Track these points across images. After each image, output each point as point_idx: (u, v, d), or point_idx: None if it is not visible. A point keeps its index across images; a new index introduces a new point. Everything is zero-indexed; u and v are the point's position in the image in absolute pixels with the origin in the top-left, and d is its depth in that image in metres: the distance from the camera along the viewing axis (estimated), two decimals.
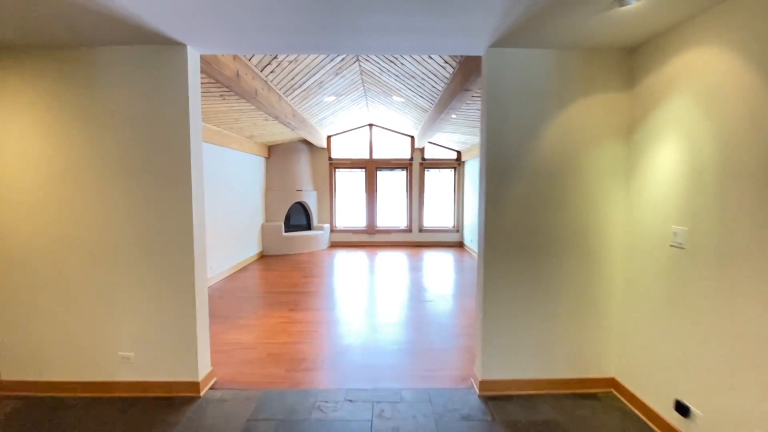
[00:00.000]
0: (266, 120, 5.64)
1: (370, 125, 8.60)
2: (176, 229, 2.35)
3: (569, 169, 2.39)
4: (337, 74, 4.75)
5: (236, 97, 4.15)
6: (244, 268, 6.38)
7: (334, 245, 8.70)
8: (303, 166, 8.17)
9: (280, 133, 6.96)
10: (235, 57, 3.06)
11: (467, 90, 3.48)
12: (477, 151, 7.19)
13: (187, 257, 2.36)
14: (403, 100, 5.81)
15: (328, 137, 8.58)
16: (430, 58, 3.62)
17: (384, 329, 3.60)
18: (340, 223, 8.88)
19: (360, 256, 7.52)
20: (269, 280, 5.57)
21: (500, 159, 2.39)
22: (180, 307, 2.39)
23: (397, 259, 7.23)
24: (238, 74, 3.14)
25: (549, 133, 2.37)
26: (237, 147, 6.43)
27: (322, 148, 8.58)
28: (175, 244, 2.36)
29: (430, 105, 5.38)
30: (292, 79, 4.35)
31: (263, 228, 7.48)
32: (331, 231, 8.72)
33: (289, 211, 7.95)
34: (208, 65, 2.62)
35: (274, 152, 7.87)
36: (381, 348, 3.19)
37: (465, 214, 8.50)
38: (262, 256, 7.36)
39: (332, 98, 5.72)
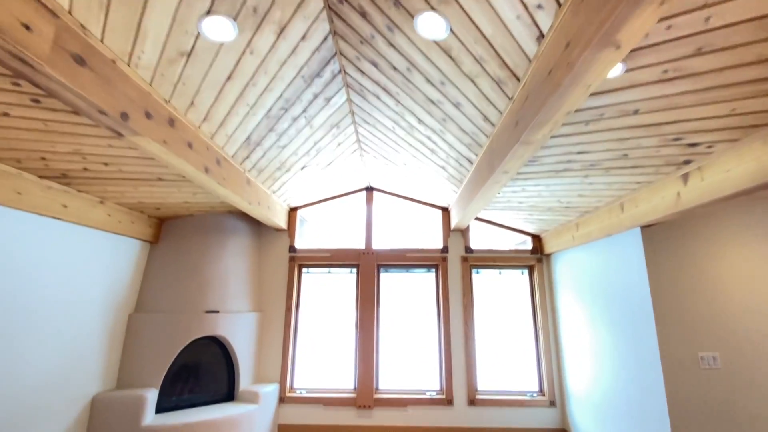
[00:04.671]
0: (152, 166, 1.94)
1: (369, 189, 4.82)
2: None
3: None
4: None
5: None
6: None
7: None
8: (233, 263, 4.13)
9: (187, 198, 3.15)
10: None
11: None
12: (580, 231, 3.15)
13: None
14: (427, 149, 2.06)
15: (292, 210, 4.74)
16: None
17: None
18: (303, 382, 4.37)
19: None
20: None
21: None
22: None
23: None
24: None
25: None
26: (70, 218, 2.57)
27: (279, 230, 4.66)
28: None
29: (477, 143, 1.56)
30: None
31: (97, 405, 3.07)
32: (281, 400, 4.16)
33: (183, 361, 3.64)
34: None
35: (170, 232, 3.95)
36: None
37: (567, 364, 3.97)
38: None
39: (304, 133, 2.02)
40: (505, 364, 4.31)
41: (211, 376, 3.85)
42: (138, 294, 3.68)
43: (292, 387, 4.31)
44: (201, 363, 3.83)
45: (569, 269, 3.96)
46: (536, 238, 4.55)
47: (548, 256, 4.46)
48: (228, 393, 3.87)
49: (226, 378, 3.90)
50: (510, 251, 4.53)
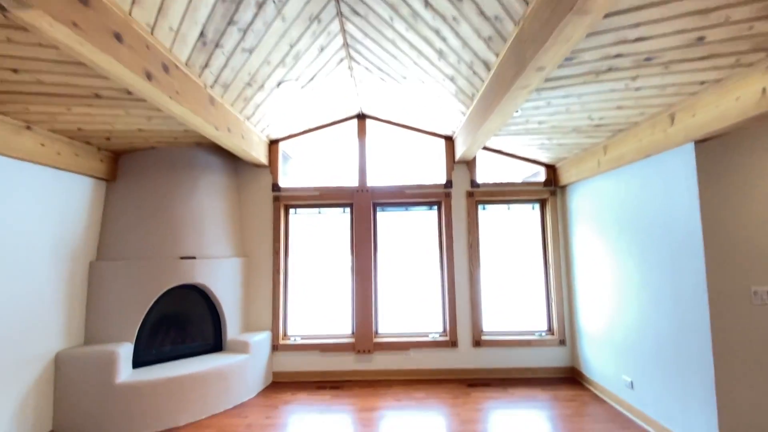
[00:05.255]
0: (80, 75, 1.29)
1: (361, 117, 4.18)
2: None
3: None
4: None
5: None
6: None
7: (281, 385, 3.81)
8: (209, 204, 3.61)
9: (140, 124, 2.50)
10: None
11: None
12: (609, 155, 2.63)
13: None
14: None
15: (273, 143, 4.13)
16: None
17: None
18: (297, 329, 4.08)
19: (338, 422, 2.65)
20: None
21: None
22: None
23: None
24: None
25: None
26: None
27: (259, 166, 4.08)
28: None
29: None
30: None
31: (62, 363, 2.71)
32: (275, 348, 3.89)
33: (161, 312, 3.26)
34: None
35: (129, 168, 3.37)
36: None
37: (579, 302, 3.69)
38: None
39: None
40: (512, 304, 4.04)
41: (196, 327, 3.51)
42: (98, 240, 3.19)
43: (285, 334, 4.02)
44: (183, 313, 3.47)
45: (589, 200, 3.52)
46: (551, 169, 4.06)
47: (563, 188, 3.99)
48: (215, 343, 3.56)
49: (212, 328, 3.57)
50: (521, 184, 4.05)
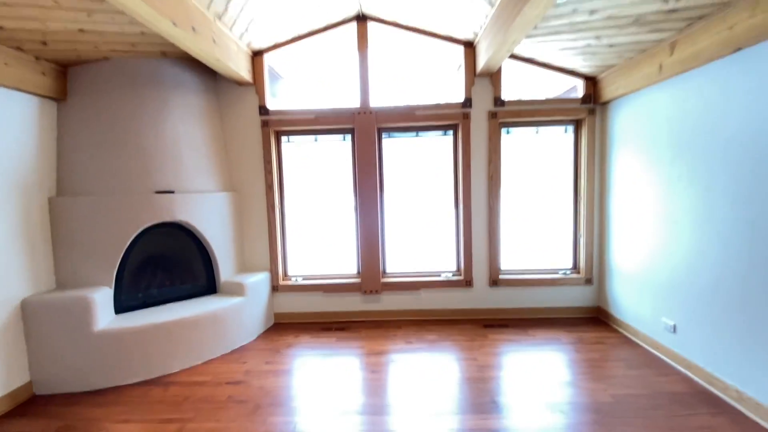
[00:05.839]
0: None
1: (361, 19, 3.42)
2: None
3: None
4: None
5: None
6: None
7: (284, 327, 3.58)
8: (185, 130, 3.06)
9: (81, 23, 1.88)
10: None
11: None
12: (677, 56, 1.99)
13: None
14: None
15: (257, 55, 3.43)
16: None
17: None
18: (298, 269, 3.75)
19: (344, 366, 2.40)
20: None
21: None
22: None
23: (446, 381, 2.06)
24: None
25: None
26: None
27: (243, 84, 3.44)
28: None
29: None
30: None
31: (30, 311, 2.40)
32: (275, 289, 3.61)
33: (145, 253, 2.89)
34: None
35: (81, 84, 2.77)
36: None
37: (612, 237, 3.26)
38: (21, 406, 2.30)
39: None
40: (534, 241, 3.64)
41: (186, 269, 3.19)
42: (56, 172, 2.72)
43: (285, 275, 3.72)
44: (170, 254, 3.12)
45: (638, 119, 2.91)
46: (591, 82, 3.37)
47: (605, 105, 3.35)
48: (209, 286, 3.26)
49: (203, 270, 3.25)
50: (554, 101, 3.40)
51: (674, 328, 2.57)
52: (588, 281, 3.48)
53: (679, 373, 2.47)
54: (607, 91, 3.19)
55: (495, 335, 3.15)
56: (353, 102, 3.49)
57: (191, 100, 3.13)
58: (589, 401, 2.17)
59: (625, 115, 3.07)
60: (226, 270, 3.29)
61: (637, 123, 2.93)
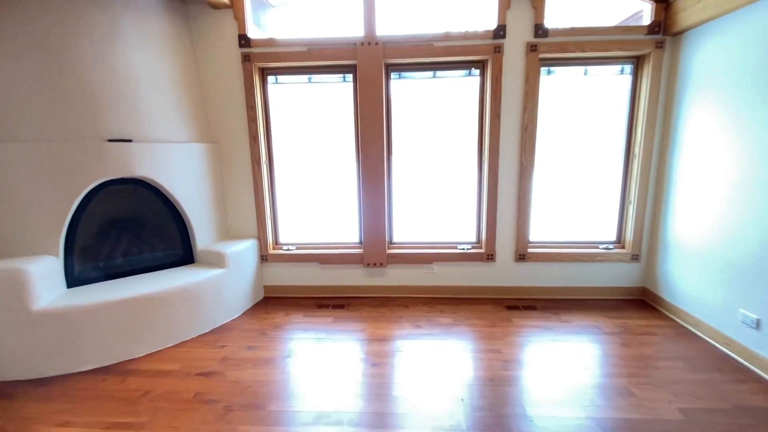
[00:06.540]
0: None
1: None
2: None
3: None
4: None
5: None
6: None
7: (274, 302, 3.13)
8: (145, 64, 2.44)
9: None
10: None
11: None
12: None
13: None
14: None
15: None
16: None
17: None
18: (290, 236, 3.23)
19: (339, 356, 1.96)
20: None
21: None
22: None
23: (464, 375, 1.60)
24: None
25: None
26: None
27: (217, 6, 2.75)
28: None
29: None
30: None
31: None
32: (264, 259, 3.12)
33: (99, 213, 2.38)
34: None
35: (7, 9, 2.14)
36: None
37: (673, 206, 2.63)
38: None
39: None
40: (572, 208, 3.03)
41: (158, 236, 2.70)
42: None
43: (276, 243, 3.22)
44: (136, 218, 2.63)
45: (728, 51, 2.18)
46: (661, 5, 2.59)
47: (678, 36, 2.59)
48: (185, 255, 2.78)
49: (179, 237, 2.75)
50: (613, 29, 2.65)
51: (758, 323, 2.02)
52: (634, 257, 2.91)
53: (761, 380, 1.94)
54: (685, 16, 2.43)
55: (521, 320, 2.64)
56: (356, 30, 2.78)
57: (151, 24, 2.47)
58: (652, 419, 1.68)
59: (710, 48, 2.33)
60: (203, 236, 2.80)
61: (727, 57, 2.20)
